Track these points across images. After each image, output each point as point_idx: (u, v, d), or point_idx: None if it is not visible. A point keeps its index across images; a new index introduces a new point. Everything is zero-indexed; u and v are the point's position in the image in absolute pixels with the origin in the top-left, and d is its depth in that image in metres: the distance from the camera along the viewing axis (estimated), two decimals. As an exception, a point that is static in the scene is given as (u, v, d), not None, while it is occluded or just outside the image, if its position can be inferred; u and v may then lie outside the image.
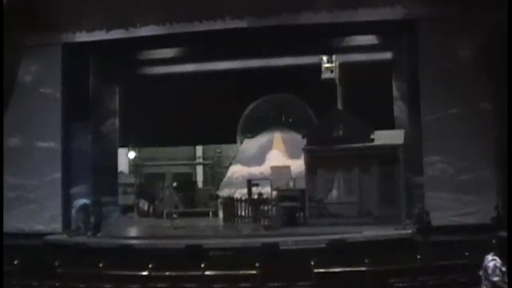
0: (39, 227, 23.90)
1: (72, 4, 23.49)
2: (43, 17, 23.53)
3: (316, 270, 15.12)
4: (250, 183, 28.32)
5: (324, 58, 26.44)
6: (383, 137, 23.80)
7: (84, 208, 22.77)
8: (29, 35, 24.20)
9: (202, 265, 15.48)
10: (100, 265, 15.54)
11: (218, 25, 23.67)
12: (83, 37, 24.60)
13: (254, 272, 15.11)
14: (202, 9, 23.43)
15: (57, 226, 23.96)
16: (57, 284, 14.40)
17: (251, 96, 32.33)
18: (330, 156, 24.23)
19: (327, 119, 25.09)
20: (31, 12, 23.11)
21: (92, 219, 22.47)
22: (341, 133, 24.03)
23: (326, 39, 25.72)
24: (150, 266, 15.42)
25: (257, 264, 15.15)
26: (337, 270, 15.51)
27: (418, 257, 15.73)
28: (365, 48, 26.34)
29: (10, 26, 22.75)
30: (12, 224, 23.83)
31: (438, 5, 21.41)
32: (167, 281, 14.99)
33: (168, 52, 27.53)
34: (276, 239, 19.45)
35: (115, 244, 19.51)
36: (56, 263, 15.64)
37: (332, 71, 26.36)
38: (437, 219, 20.50)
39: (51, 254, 19.49)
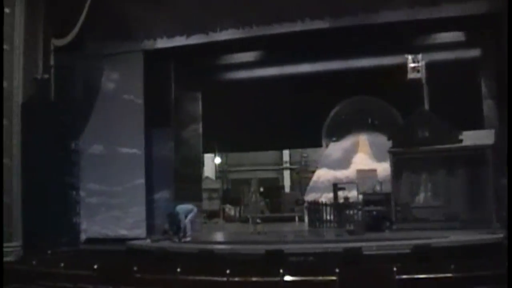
0: (123, 232, 24.09)
1: (152, 11, 23.64)
2: (123, 25, 23.80)
3: (398, 277, 14.46)
4: (336, 187, 27.96)
5: (410, 57, 25.75)
6: (472, 137, 22.89)
7: (173, 214, 22.80)
8: (110, 44, 24.56)
9: (281, 271, 15.07)
10: (178, 270, 15.37)
11: (298, 27, 23.16)
12: (163, 43, 24.66)
13: (334, 278, 14.60)
14: (281, 11, 23.04)
15: (141, 231, 24.05)
16: (132, 289, 14.32)
17: (335, 99, 31.98)
18: (416, 158, 23.56)
19: (413, 120, 24.27)
20: (111, 20, 23.42)
21: (175, 226, 22.47)
22: (427, 134, 23.22)
23: (409, 37, 24.81)
24: (227, 272, 15.13)
25: (337, 270, 14.63)
26: (421, 276, 14.77)
27: (507, 263, 14.82)
28: (451, 45, 25.27)
29: (90, 36, 23.22)
30: (96, 229, 24.40)
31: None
32: (244, 287, 14.70)
33: (249, 56, 27.38)
34: (359, 244, 18.88)
35: (195, 249, 19.38)
36: (135, 268, 15.57)
37: (418, 71, 25.66)
38: (529, 223, 19.38)
39: (131, 259, 19.60)
